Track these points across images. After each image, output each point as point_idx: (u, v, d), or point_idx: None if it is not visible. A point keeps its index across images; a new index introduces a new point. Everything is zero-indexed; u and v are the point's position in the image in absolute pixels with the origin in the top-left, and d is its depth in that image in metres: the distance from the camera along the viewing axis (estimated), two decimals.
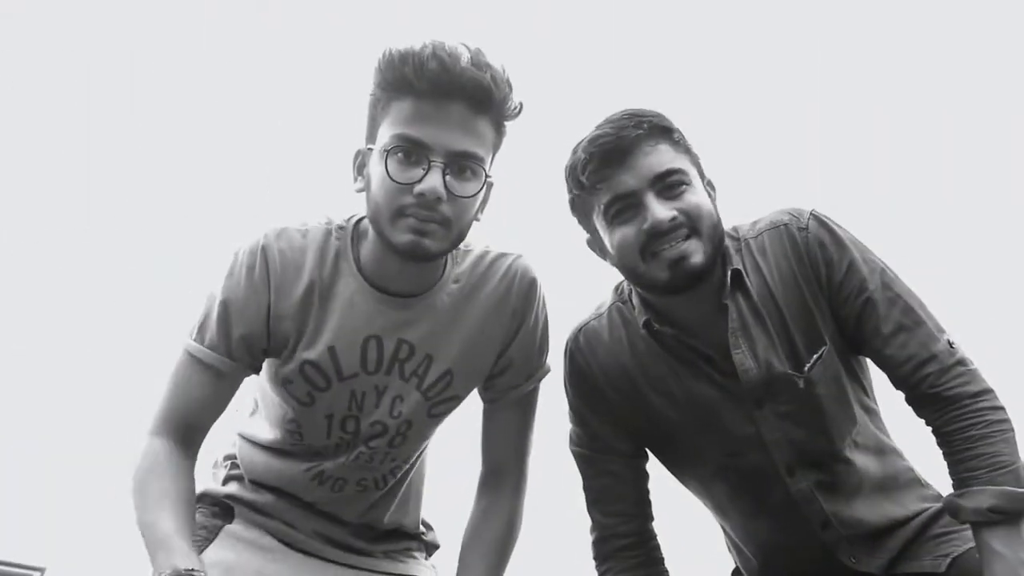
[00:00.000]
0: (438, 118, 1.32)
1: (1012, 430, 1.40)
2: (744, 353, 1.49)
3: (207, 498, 1.59)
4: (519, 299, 1.53)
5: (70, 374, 4.21)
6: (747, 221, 1.58)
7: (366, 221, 1.45)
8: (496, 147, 1.42)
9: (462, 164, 1.34)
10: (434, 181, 1.31)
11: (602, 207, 1.47)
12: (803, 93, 4.00)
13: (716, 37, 4.09)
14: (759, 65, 4.02)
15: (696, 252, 1.42)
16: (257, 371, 1.48)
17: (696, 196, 1.45)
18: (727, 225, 1.54)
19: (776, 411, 1.50)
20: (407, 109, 1.33)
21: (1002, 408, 1.42)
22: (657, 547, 1.61)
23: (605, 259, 1.56)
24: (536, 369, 1.60)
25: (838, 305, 1.49)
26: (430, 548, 1.74)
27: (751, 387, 1.49)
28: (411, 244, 1.34)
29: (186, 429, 1.42)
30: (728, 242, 1.53)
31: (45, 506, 4.03)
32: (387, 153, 1.33)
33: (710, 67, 4.05)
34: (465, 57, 1.33)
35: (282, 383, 1.47)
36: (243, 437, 1.62)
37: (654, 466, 1.66)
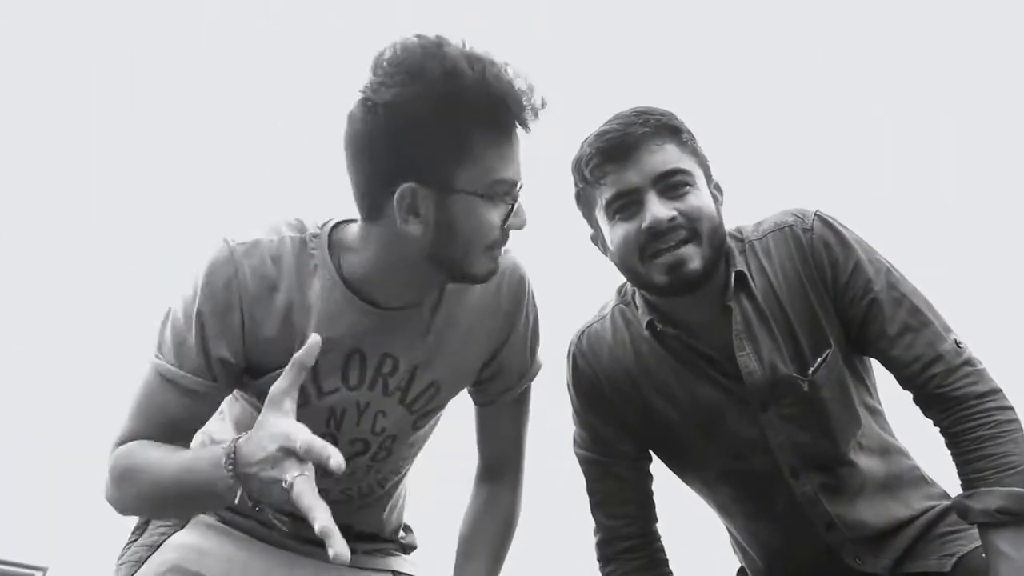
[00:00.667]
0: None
1: (1021, 430, 1.39)
2: (748, 355, 1.48)
3: None
4: (509, 301, 1.47)
5: (70, 374, 4.21)
6: (751, 223, 1.57)
7: (343, 227, 1.37)
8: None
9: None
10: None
11: (604, 202, 1.46)
12: (803, 93, 3.99)
13: (716, 35, 4.09)
14: (760, 64, 4.01)
15: (693, 258, 1.41)
16: (233, 389, 1.39)
17: (699, 198, 1.44)
18: (730, 226, 1.53)
19: (780, 414, 1.49)
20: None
21: (1011, 408, 1.41)
22: (661, 549, 1.60)
23: (607, 255, 1.55)
24: (528, 369, 1.55)
25: (843, 306, 1.48)
26: (407, 550, 1.69)
27: (755, 390, 1.48)
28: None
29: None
30: (732, 243, 1.52)
31: (47, 506, 4.04)
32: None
33: (710, 66, 4.05)
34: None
35: (256, 394, 1.36)
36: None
37: (657, 467, 1.65)
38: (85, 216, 4.47)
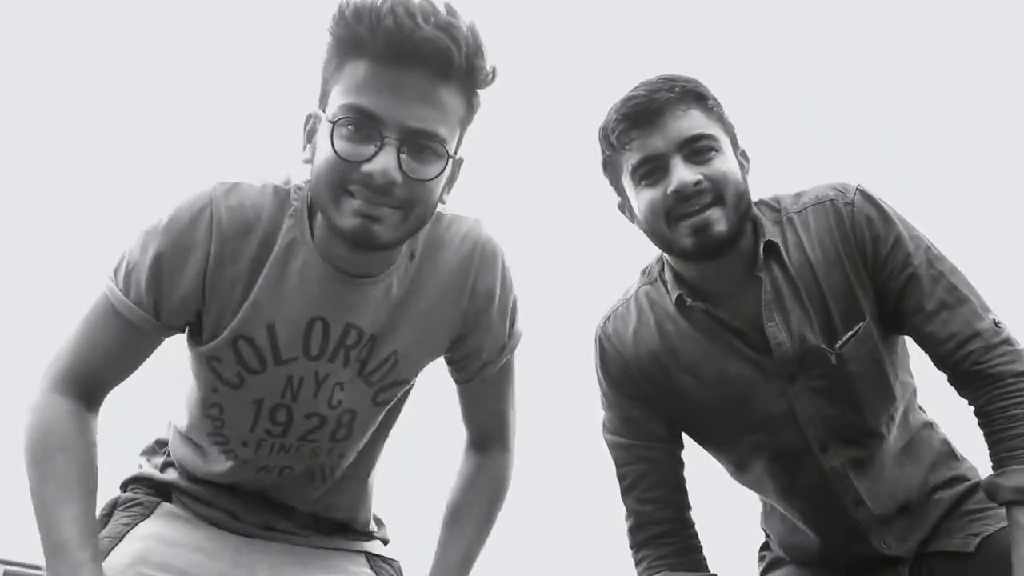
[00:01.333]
0: (395, 87, 1.13)
1: None
2: (778, 326, 1.47)
3: (144, 481, 1.47)
4: (482, 279, 1.37)
5: None
6: (790, 192, 1.56)
7: None
8: (466, 120, 1.24)
9: (421, 143, 1.16)
10: (386, 162, 1.13)
11: (630, 168, 1.46)
12: (809, 86, 4.01)
13: (716, 35, 4.11)
14: (764, 59, 4.03)
15: (719, 221, 1.41)
16: (181, 331, 1.33)
17: (725, 164, 1.44)
18: (768, 194, 1.53)
19: (808, 386, 1.48)
20: (360, 74, 1.14)
21: None
22: (695, 535, 1.56)
23: (633, 223, 1.54)
24: (507, 341, 1.45)
25: (882, 280, 1.47)
26: (381, 542, 1.63)
27: (784, 361, 1.47)
28: (357, 230, 1.17)
29: (91, 387, 1.28)
30: (767, 212, 1.52)
31: None
32: (334, 125, 1.15)
33: (716, 55, 4.06)
34: (428, 15, 1.12)
35: (207, 360, 1.31)
36: (172, 424, 1.49)
37: (687, 454, 1.63)
38: (85, 216, 4.44)
